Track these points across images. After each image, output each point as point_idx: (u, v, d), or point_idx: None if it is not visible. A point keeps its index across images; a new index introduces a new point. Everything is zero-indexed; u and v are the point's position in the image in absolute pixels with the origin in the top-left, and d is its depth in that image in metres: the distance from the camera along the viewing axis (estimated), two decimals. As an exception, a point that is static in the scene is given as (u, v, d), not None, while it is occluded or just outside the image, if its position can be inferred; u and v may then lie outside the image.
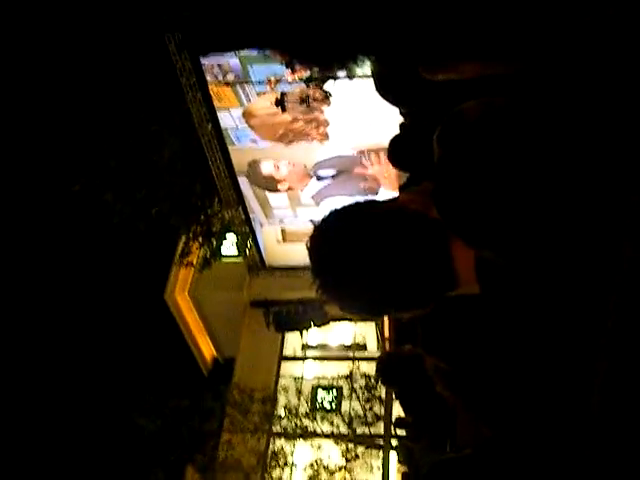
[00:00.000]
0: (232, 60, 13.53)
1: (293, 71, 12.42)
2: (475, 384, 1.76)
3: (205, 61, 13.71)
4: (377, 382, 16.63)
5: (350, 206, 1.42)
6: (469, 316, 1.60)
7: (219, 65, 13.83)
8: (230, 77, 13.92)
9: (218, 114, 14.77)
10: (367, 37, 0.90)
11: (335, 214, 1.40)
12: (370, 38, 0.90)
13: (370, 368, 17.62)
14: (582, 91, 1.03)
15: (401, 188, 4.41)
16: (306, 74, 12.57)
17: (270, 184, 16.28)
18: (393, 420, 9.19)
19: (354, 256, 1.31)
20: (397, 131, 4.47)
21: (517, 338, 1.25)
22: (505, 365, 1.43)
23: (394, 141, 4.39)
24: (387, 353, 5.41)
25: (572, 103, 1.03)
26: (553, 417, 1.22)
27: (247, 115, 14.79)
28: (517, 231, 1.04)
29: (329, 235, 1.37)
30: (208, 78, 13.99)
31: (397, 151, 4.39)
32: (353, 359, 19.53)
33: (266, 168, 16.07)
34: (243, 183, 16.49)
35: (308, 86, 12.83)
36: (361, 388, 17.65)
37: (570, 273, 1.06)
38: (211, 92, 14.24)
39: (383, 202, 1.45)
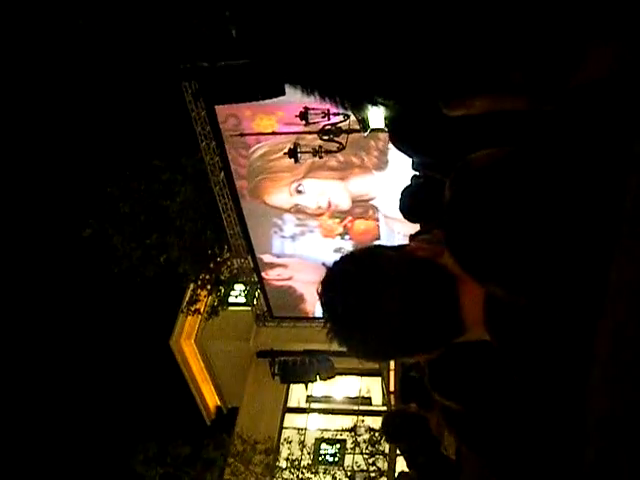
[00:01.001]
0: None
1: (307, 122, 12.53)
2: (485, 428, 1.76)
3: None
4: (381, 437, 16.43)
5: (360, 251, 1.44)
6: (479, 359, 1.60)
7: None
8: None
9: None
10: (387, 74, 0.92)
11: (346, 259, 1.42)
12: (391, 75, 0.92)
13: (374, 422, 17.44)
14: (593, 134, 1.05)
15: (411, 237, 4.40)
16: (320, 125, 12.67)
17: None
18: (396, 475, 9.08)
19: (363, 300, 1.31)
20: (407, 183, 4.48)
21: (528, 386, 1.25)
22: (514, 412, 1.43)
23: (406, 193, 4.41)
24: (392, 412, 5.38)
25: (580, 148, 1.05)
26: (565, 472, 1.21)
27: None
28: (528, 268, 1.06)
29: (338, 279, 1.39)
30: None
31: (408, 202, 4.41)
32: (358, 413, 19.35)
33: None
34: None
35: (322, 138, 12.91)
36: (365, 442, 17.43)
37: (577, 315, 1.07)
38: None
39: (392, 248, 1.46)
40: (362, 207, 15.80)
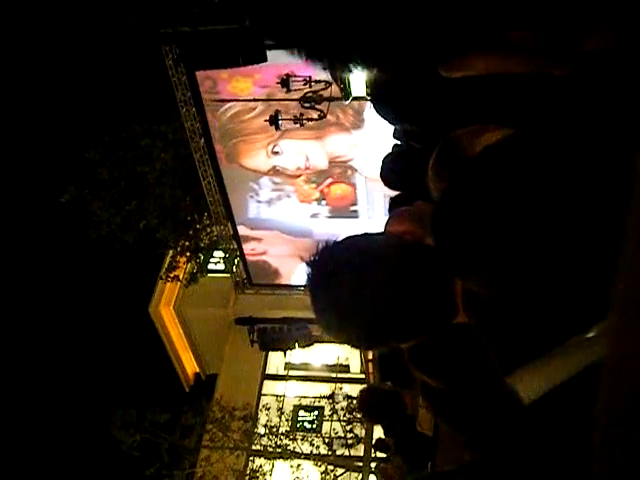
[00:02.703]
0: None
1: (288, 89, 12.44)
2: (462, 405, 1.76)
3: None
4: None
5: (349, 239, 1.42)
6: (462, 340, 1.60)
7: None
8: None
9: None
10: (373, 34, 0.89)
11: (332, 247, 1.40)
12: (377, 35, 0.89)
13: (352, 389, 17.57)
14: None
15: (391, 206, 4.40)
16: (301, 93, 12.59)
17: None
18: (373, 442, 9.17)
19: (355, 288, 1.30)
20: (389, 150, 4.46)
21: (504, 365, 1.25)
22: (490, 389, 1.43)
23: (387, 160, 4.40)
24: (367, 389, 5.39)
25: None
26: (541, 446, 1.21)
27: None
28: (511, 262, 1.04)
29: (329, 268, 1.36)
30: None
31: (390, 170, 4.39)
32: (335, 380, 19.47)
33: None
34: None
35: (303, 106, 12.83)
36: (343, 409, 17.56)
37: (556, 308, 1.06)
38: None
39: (379, 234, 1.45)
40: (340, 167, 15.72)
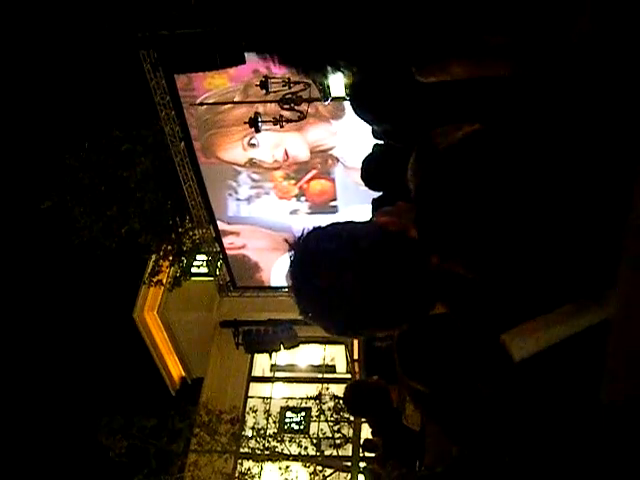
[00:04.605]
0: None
1: (267, 91, 12.43)
2: (451, 406, 1.77)
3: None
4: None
5: (334, 227, 1.42)
6: (444, 339, 1.61)
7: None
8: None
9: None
10: (352, 37, 0.89)
11: (315, 234, 1.40)
12: (355, 38, 0.89)
13: (339, 389, 17.55)
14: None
15: (373, 207, 4.41)
16: (281, 94, 12.58)
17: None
18: (361, 442, 9.17)
19: (336, 276, 1.30)
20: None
21: (485, 361, 1.25)
22: (476, 388, 1.44)
23: (367, 161, 4.40)
24: (353, 385, 5.39)
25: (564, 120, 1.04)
26: (524, 439, 1.22)
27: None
28: (497, 250, 1.05)
29: (310, 255, 1.37)
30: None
31: (371, 171, 4.39)
32: (322, 381, 19.47)
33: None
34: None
35: (282, 107, 12.83)
36: (330, 410, 17.55)
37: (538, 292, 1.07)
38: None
39: (362, 223, 1.45)
40: (321, 157, 15.70)
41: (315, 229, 1.40)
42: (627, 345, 0.79)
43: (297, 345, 18.77)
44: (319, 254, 1.35)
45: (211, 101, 14.53)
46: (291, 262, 1.37)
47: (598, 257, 0.92)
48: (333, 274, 1.30)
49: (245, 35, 0.96)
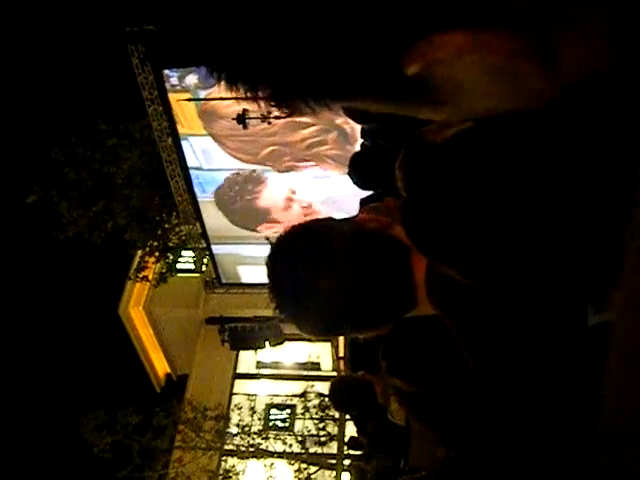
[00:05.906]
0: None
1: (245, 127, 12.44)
2: (438, 406, 1.76)
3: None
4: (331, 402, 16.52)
5: (311, 225, 1.41)
6: (431, 337, 1.59)
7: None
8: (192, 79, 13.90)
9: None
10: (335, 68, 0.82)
11: (294, 232, 1.38)
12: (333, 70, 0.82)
13: (324, 387, 17.55)
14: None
15: (361, 204, 4.40)
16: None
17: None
18: (346, 440, 9.20)
19: (314, 276, 1.29)
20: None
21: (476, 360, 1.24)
22: (466, 388, 1.43)
23: (355, 159, 4.39)
24: (338, 380, 5.39)
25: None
26: (512, 441, 1.21)
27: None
28: (487, 253, 1.03)
29: (287, 253, 1.35)
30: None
31: (358, 169, 4.39)
32: (307, 378, 19.48)
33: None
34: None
35: (271, 104, 12.78)
36: (315, 407, 17.57)
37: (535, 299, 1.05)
38: (175, 114, 14.23)
39: (341, 221, 1.44)
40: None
41: (294, 226, 1.39)
42: (627, 345, 0.77)
43: (282, 342, 18.77)
44: (293, 251, 1.34)
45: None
46: (267, 259, 1.36)
47: (598, 257, 0.91)
48: (306, 272, 1.29)
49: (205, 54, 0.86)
